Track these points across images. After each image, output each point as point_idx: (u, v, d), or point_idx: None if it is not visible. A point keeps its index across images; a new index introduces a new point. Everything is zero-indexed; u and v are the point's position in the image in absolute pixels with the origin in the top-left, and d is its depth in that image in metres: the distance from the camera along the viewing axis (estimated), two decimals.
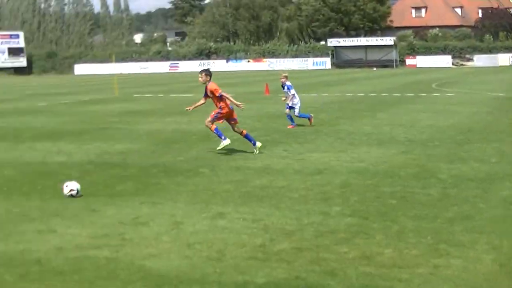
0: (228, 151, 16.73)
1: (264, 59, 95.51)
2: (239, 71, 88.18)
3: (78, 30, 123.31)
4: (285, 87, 21.94)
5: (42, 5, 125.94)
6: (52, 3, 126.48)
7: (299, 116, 22.07)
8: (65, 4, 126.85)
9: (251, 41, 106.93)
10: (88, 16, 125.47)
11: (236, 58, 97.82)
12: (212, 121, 16.47)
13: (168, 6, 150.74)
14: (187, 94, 39.66)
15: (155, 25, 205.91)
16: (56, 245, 9.02)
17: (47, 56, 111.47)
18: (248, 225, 9.75)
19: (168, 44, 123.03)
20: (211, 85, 16.46)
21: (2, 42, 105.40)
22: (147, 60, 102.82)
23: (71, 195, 12.09)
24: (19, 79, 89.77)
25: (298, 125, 21.91)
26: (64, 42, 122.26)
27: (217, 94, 16.29)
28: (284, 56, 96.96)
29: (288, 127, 21.64)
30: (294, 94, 21.83)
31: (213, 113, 16.57)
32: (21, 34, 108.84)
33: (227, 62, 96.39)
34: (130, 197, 11.86)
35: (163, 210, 10.82)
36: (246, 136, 16.79)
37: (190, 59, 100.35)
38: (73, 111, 30.70)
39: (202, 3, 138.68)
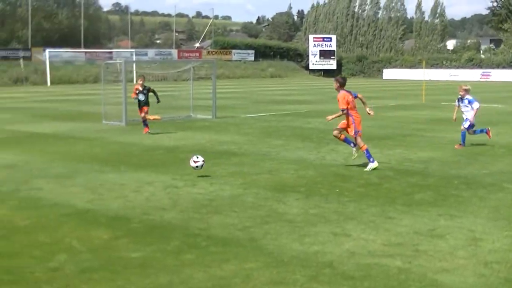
0: None
1: None
2: None
3: (390, 35, 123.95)
4: (465, 101, 19.68)
5: (356, 9, 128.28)
6: (367, 7, 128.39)
7: (474, 133, 20.02)
8: (379, 9, 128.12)
9: None
10: (400, 21, 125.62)
11: None
12: (359, 137, 15.90)
13: (485, 12, 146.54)
14: (496, 104, 38.29)
15: (469, 31, 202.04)
16: (349, 249, 9.01)
17: (357, 59, 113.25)
18: None
19: (481, 51, 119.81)
20: (340, 95, 15.86)
21: (315, 45, 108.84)
22: (457, 68, 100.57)
23: (197, 167, 14.49)
24: (327, 81, 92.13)
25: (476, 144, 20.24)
26: (374, 46, 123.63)
27: (340, 107, 15.80)
28: None
29: (455, 147, 19.69)
30: (477, 109, 19.55)
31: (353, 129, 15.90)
32: (334, 37, 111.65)
33: None
34: (428, 207, 11.57)
35: (461, 224, 10.42)
36: (345, 140, 16.26)
37: (504, 67, 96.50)
38: (378, 116, 30.73)
39: None
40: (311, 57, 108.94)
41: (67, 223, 10.51)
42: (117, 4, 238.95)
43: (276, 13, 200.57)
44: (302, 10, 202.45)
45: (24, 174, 15.15)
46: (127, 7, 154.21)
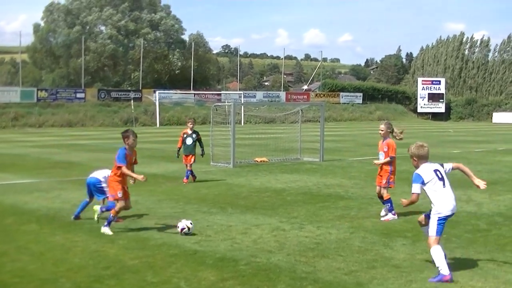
0: None
1: None
2: None
3: (501, 78, 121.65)
4: None
5: (466, 52, 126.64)
6: (476, 50, 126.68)
7: None
8: (489, 51, 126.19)
9: None
10: None
11: None
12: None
13: None
14: None
15: None
16: None
17: (466, 102, 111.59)
18: None
19: None
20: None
21: (423, 88, 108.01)
22: None
23: (185, 234, 12.92)
24: (435, 124, 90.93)
25: None
26: (484, 89, 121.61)
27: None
28: None
29: None
30: None
31: None
32: (443, 80, 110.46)
33: None
34: None
35: None
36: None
37: None
38: (487, 160, 30.27)
39: None
40: (419, 100, 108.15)
41: (175, 264, 10.71)
42: (227, 46, 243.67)
43: (385, 56, 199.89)
44: (411, 53, 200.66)
45: (133, 214, 15.51)
46: (236, 50, 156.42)
